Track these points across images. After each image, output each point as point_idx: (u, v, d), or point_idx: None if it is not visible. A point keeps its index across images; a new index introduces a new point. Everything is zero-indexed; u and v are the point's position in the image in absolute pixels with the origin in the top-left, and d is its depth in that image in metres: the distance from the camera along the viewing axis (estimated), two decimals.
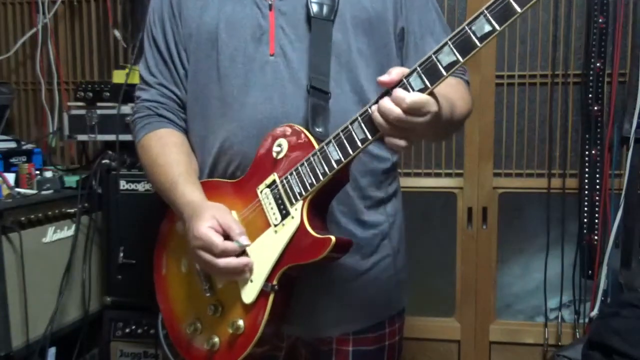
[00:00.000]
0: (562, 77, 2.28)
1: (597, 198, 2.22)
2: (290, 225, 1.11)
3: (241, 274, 1.13)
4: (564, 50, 2.27)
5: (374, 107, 0.98)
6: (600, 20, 2.17)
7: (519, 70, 2.32)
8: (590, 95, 2.20)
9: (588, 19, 2.21)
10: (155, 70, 1.31)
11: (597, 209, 2.22)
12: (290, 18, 1.19)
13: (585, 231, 2.24)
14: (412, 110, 0.95)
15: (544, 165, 2.33)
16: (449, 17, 2.33)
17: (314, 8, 1.17)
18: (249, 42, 1.19)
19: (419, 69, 0.97)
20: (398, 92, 0.95)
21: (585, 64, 2.23)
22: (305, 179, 1.09)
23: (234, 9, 1.21)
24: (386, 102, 0.96)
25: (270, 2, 1.20)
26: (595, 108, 2.20)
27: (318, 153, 1.08)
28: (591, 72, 2.20)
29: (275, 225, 1.13)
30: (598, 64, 2.19)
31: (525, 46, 2.30)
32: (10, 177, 1.97)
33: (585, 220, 2.24)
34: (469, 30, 0.93)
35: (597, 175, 2.22)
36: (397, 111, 0.95)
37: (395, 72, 0.98)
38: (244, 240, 1.13)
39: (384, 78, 0.98)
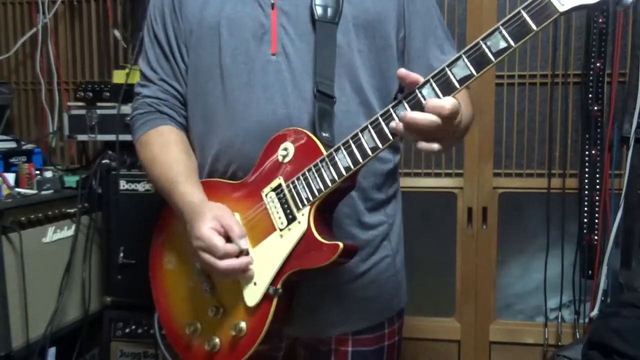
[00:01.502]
0: (562, 77, 2.28)
1: (597, 198, 2.22)
2: (296, 230, 1.11)
3: (242, 274, 1.13)
4: (564, 50, 2.27)
5: (396, 123, 0.99)
6: (600, 20, 2.17)
7: (519, 70, 2.32)
8: (590, 95, 2.20)
9: (588, 19, 2.21)
10: (156, 66, 1.30)
11: (597, 209, 2.22)
12: (292, 18, 1.19)
13: (585, 231, 2.24)
14: (452, 114, 0.96)
15: (544, 165, 2.33)
16: (449, 17, 2.33)
17: (319, 11, 1.17)
18: (250, 41, 1.19)
19: (432, 80, 0.98)
20: (433, 101, 0.96)
21: (585, 64, 2.23)
22: (312, 185, 1.09)
23: (235, 7, 1.21)
24: (420, 115, 0.96)
25: (272, 1, 1.19)
26: (595, 108, 2.20)
27: (327, 159, 1.08)
28: (591, 72, 2.20)
29: (281, 230, 1.13)
30: (598, 64, 2.19)
31: (525, 46, 2.30)
32: (10, 177, 1.96)
33: (585, 220, 2.24)
34: (484, 45, 0.94)
35: (597, 175, 2.22)
36: (436, 120, 0.96)
37: (415, 74, 1.00)
38: (243, 243, 1.13)
39: (404, 71, 0.99)
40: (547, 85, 2.30)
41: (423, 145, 0.98)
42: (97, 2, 2.61)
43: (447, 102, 0.96)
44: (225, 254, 1.10)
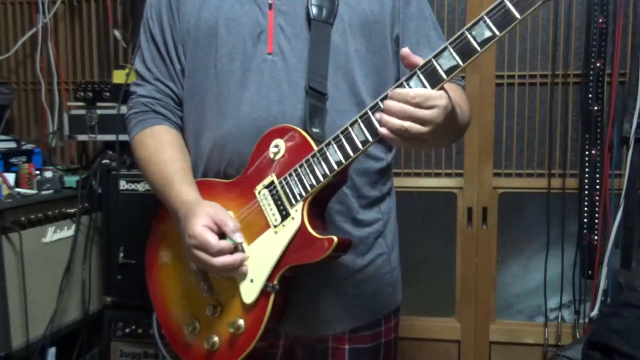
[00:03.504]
0: (562, 77, 2.28)
1: (597, 198, 2.22)
2: (290, 226, 1.11)
3: (237, 270, 1.13)
4: (564, 50, 2.27)
5: (378, 114, 1.00)
6: (600, 20, 2.17)
7: (519, 70, 2.32)
8: (590, 95, 2.21)
9: (588, 19, 2.21)
10: (151, 65, 1.30)
11: (597, 209, 2.22)
12: (289, 18, 1.19)
13: (585, 231, 2.24)
14: (417, 104, 0.97)
15: (544, 165, 2.33)
16: (449, 17, 2.33)
17: (314, 10, 1.18)
18: (247, 40, 1.20)
19: (419, 72, 0.99)
20: (397, 90, 0.98)
21: (585, 64, 2.23)
22: (305, 180, 1.10)
23: (233, 6, 1.21)
24: (389, 102, 0.99)
25: (270, 1, 1.20)
26: (595, 108, 2.20)
27: (318, 154, 1.09)
28: (591, 72, 2.20)
29: (275, 226, 1.13)
30: (598, 64, 2.19)
31: (525, 46, 2.30)
32: (10, 177, 1.96)
33: (585, 220, 2.24)
34: (469, 35, 0.95)
35: (597, 175, 2.22)
36: (399, 106, 0.97)
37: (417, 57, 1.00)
38: (237, 237, 1.13)
39: (407, 50, 1.00)
40: (547, 85, 2.30)
41: (383, 131, 0.99)
42: (97, 2, 2.61)
43: (412, 91, 0.97)
44: (219, 250, 1.10)
